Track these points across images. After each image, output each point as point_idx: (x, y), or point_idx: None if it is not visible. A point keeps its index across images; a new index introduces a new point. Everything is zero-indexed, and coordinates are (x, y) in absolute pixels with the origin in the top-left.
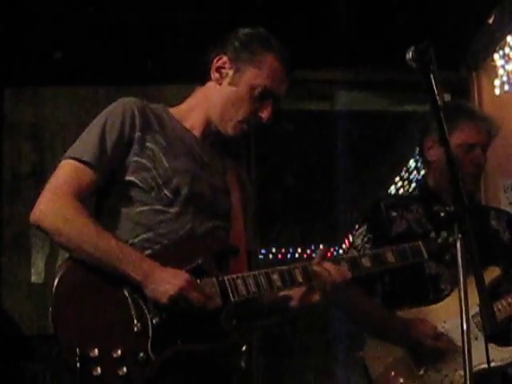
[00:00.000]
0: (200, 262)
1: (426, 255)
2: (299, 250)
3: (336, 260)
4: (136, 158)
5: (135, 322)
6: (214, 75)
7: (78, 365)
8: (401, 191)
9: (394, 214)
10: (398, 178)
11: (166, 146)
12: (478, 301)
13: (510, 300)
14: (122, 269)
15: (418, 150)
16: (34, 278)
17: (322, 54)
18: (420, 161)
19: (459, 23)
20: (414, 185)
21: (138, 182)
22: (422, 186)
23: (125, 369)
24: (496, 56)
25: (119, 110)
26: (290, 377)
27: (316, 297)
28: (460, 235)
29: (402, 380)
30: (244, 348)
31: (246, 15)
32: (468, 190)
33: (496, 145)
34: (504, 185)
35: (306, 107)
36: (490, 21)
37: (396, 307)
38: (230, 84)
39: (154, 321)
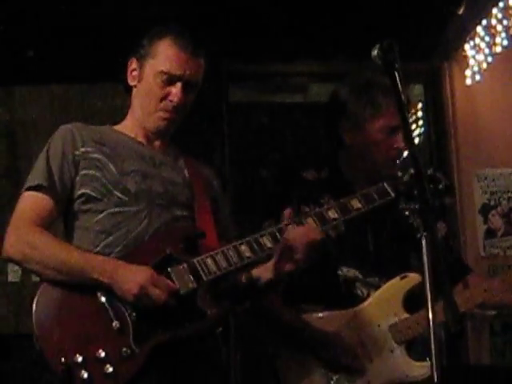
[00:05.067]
0: (168, 251)
1: (392, 193)
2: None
3: (303, 217)
4: (84, 172)
5: (114, 320)
6: (129, 79)
7: (65, 373)
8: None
9: (305, 208)
10: None
11: (111, 154)
12: (395, 310)
13: (466, 295)
14: (89, 276)
15: (327, 130)
16: (10, 277)
17: (295, 47)
18: (329, 143)
19: (430, 14)
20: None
21: (90, 192)
22: (332, 170)
23: (110, 366)
24: (467, 46)
25: (59, 135)
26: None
27: (289, 265)
28: (425, 233)
29: None
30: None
31: (221, 11)
32: (390, 174)
33: (469, 134)
34: (477, 174)
35: (279, 100)
36: (461, 11)
37: (311, 307)
38: (139, 82)
39: (132, 316)
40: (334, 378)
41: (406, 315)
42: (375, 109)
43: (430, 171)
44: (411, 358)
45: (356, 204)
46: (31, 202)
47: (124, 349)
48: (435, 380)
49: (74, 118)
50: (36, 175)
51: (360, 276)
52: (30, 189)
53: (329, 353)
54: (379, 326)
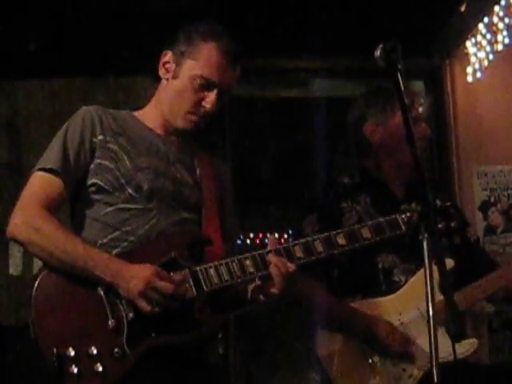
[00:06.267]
0: (173, 255)
1: (403, 227)
2: (276, 236)
3: (312, 240)
4: (99, 161)
5: (110, 318)
6: (161, 71)
7: (56, 364)
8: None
9: (344, 204)
10: None
11: (128, 146)
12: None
13: (465, 291)
14: (91, 271)
15: (354, 138)
16: (12, 270)
17: (298, 42)
18: (356, 150)
19: (432, 11)
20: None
21: (101, 183)
22: (363, 175)
23: (100, 365)
24: (468, 44)
25: (79, 118)
26: (267, 364)
27: (274, 289)
28: (426, 235)
29: (361, 373)
30: (220, 336)
31: (221, 5)
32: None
33: (469, 131)
34: (477, 171)
35: (282, 94)
36: (462, 9)
37: (347, 297)
38: (173, 78)
39: (128, 316)
40: (379, 362)
41: (441, 297)
42: (393, 103)
43: (439, 203)
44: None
45: (366, 233)
46: (42, 184)
47: (116, 349)
48: (435, 379)
49: (75, 112)
50: (51, 158)
51: (398, 261)
52: (42, 169)
53: (372, 338)
54: (418, 309)
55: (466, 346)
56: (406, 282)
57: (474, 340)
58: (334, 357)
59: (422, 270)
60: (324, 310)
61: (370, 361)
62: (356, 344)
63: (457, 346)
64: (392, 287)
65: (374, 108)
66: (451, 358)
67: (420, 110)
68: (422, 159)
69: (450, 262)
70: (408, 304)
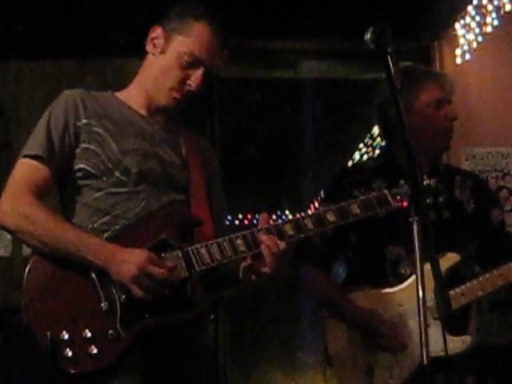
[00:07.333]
0: (163, 236)
1: (393, 203)
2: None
3: (302, 217)
4: (84, 145)
5: (103, 301)
6: (149, 46)
7: (49, 348)
8: (365, 157)
9: (357, 192)
10: (361, 145)
11: (113, 129)
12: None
13: (463, 288)
14: (83, 257)
15: (380, 121)
16: (1, 252)
17: (286, 24)
18: (383, 134)
19: None
20: (377, 151)
21: (88, 168)
22: (386, 157)
23: (95, 347)
24: (457, 25)
25: (61, 103)
26: (256, 346)
27: (265, 269)
28: (416, 217)
29: (358, 361)
30: (213, 316)
31: None
32: (444, 146)
33: (458, 113)
34: (465, 153)
35: (270, 76)
36: None
37: (358, 287)
38: (160, 53)
39: (121, 298)
40: (377, 353)
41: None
42: (417, 86)
43: (426, 181)
44: (449, 332)
45: (355, 210)
46: (28, 171)
47: (110, 331)
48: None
49: None
50: (35, 144)
51: (404, 253)
52: (27, 156)
53: (371, 330)
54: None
55: (458, 343)
56: (410, 275)
57: (467, 337)
58: (335, 337)
59: (426, 262)
60: (321, 297)
61: (371, 354)
62: (360, 339)
63: (449, 342)
64: (398, 279)
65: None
66: (443, 353)
67: (447, 90)
68: (449, 140)
69: (455, 257)
70: (409, 296)
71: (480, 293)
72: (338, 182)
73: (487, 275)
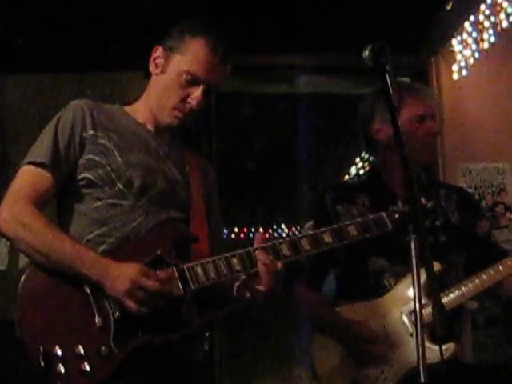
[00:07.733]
0: (159, 252)
1: (390, 225)
2: (261, 230)
3: (299, 238)
4: (90, 156)
5: (97, 317)
6: (151, 66)
7: (42, 363)
8: (361, 171)
9: (339, 207)
10: (358, 159)
11: (118, 141)
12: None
13: (445, 298)
14: (78, 270)
15: (363, 136)
16: None
17: (284, 39)
18: (366, 149)
19: (418, 9)
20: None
21: (92, 178)
22: (372, 172)
23: (87, 364)
24: (454, 41)
25: (69, 112)
26: (252, 357)
27: (260, 286)
28: (414, 236)
29: (345, 377)
30: (207, 334)
31: (208, 1)
32: (424, 161)
33: (454, 129)
34: (462, 168)
35: (267, 90)
36: (449, 7)
37: (347, 300)
38: (161, 73)
39: (115, 315)
40: (363, 367)
41: (424, 301)
42: (399, 101)
43: (424, 201)
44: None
45: (352, 231)
46: (32, 178)
47: (103, 347)
48: (422, 379)
49: (63, 107)
50: (40, 151)
51: (387, 265)
52: (31, 163)
53: (355, 342)
54: (401, 312)
55: (431, 354)
56: (394, 285)
57: (450, 345)
58: (323, 354)
59: (408, 273)
60: (311, 314)
61: (353, 364)
62: (347, 355)
63: (429, 350)
64: (382, 290)
65: (382, 105)
66: (431, 361)
67: (429, 106)
68: (431, 154)
69: (436, 265)
70: (392, 307)
71: (468, 296)
72: (320, 200)
73: (475, 277)
